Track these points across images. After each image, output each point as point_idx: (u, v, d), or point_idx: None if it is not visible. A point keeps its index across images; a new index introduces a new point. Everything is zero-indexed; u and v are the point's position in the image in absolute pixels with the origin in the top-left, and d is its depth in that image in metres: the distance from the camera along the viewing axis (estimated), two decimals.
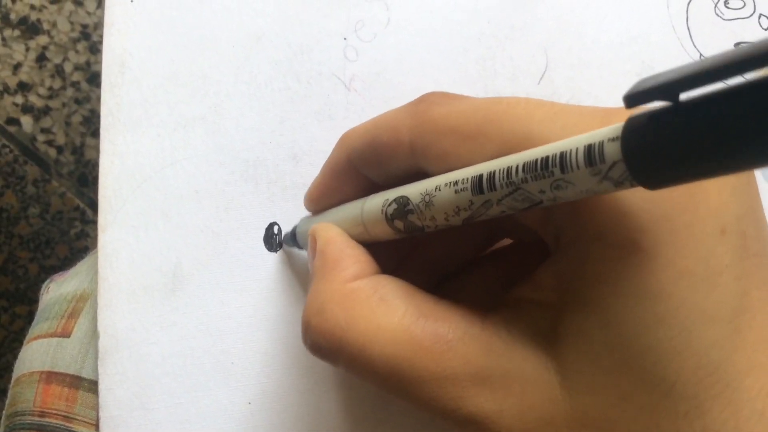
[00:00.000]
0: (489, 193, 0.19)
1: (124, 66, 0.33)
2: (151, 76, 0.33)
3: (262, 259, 0.31)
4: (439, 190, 0.20)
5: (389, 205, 0.22)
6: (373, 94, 0.33)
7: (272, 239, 0.31)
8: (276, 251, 0.31)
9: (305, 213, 0.31)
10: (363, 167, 0.25)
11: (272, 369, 0.30)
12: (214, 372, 0.30)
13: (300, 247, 0.30)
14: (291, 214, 0.31)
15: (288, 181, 0.32)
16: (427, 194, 0.21)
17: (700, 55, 0.34)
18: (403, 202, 0.22)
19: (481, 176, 0.19)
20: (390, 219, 0.22)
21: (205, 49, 0.33)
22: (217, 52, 0.33)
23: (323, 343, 0.21)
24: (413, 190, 0.21)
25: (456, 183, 0.20)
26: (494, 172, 0.18)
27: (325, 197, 0.27)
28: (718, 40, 0.34)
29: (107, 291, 0.30)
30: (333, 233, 0.24)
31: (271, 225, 0.31)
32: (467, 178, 0.19)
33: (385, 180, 0.24)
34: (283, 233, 0.31)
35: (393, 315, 0.21)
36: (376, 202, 0.23)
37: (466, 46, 0.33)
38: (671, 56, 0.34)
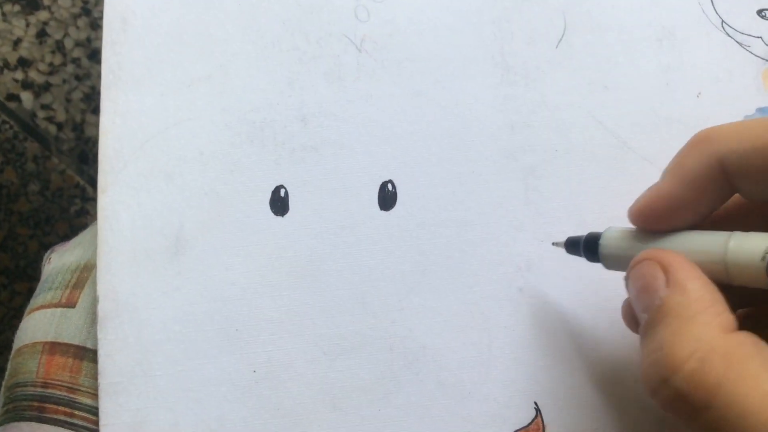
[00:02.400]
0: None
1: (126, 23, 0.32)
2: (154, 34, 0.32)
3: (269, 223, 0.30)
4: None
5: None
6: (386, 56, 0.31)
7: (279, 203, 0.30)
8: (282, 215, 0.30)
9: (315, 175, 0.30)
10: (742, 179, 0.21)
11: (278, 337, 0.29)
12: (218, 339, 0.29)
13: (592, 260, 0.26)
14: (299, 177, 0.30)
15: (296, 144, 0.30)
16: None
17: (722, 21, 0.33)
18: None
19: None
20: None
21: (211, 7, 0.32)
22: (223, 10, 0.32)
23: (691, 393, 0.19)
24: None
25: None
26: None
27: (673, 213, 0.22)
28: (741, 7, 0.33)
29: (107, 254, 0.29)
30: (693, 270, 0.21)
31: (278, 188, 0.30)
32: None
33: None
34: (290, 197, 0.30)
35: None
36: (755, 244, 0.20)
37: (482, 7, 0.32)
38: (692, 22, 0.33)
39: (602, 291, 0.29)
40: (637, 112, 0.31)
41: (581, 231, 0.30)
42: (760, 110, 0.31)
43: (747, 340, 0.19)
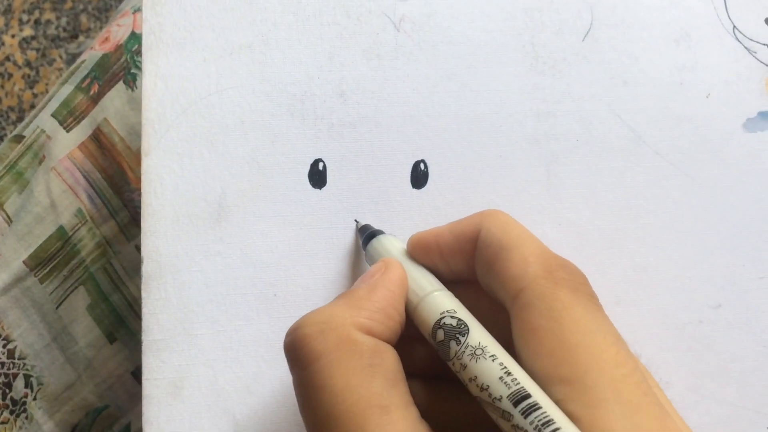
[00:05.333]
0: (518, 416, 0.20)
1: None
2: None
3: (307, 194, 0.31)
4: (493, 360, 0.21)
5: (452, 318, 0.23)
6: (422, 38, 0.33)
7: (317, 176, 0.31)
8: (320, 188, 0.31)
9: (352, 151, 0.32)
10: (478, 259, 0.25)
11: (313, 303, 0.30)
12: (257, 302, 0.30)
13: (361, 244, 0.30)
14: (337, 152, 0.31)
15: (335, 119, 0.32)
16: (481, 350, 0.22)
17: (734, 27, 0.35)
18: (460, 329, 0.23)
19: (526, 395, 0.20)
20: (439, 325, 0.23)
21: None
22: None
23: (296, 349, 0.22)
24: (477, 332, 0.23)
25: (507, 375, 0.21)
26: (537, 406, 0.20)
27: (433, 252, 0.26)
28: (751, 14, 0.35)
29: (151, 216, 0.30)
30: (400, 284, 0.25)
31: (317, 161, 0.31)
32: (518, 389, 0.20)
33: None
34: (328, 171, 0.31)
35: (360, 389, 0.21)
36: (443, 303, 0.24)
37: None
38: (706, 25, 0.35)
39: (613, 275, 0.32)
40: (652, 108, 0.33)
41: (596, 217, 0.33)
42: (762, 114, 0.34)
43: (369, 344, 0.22)
